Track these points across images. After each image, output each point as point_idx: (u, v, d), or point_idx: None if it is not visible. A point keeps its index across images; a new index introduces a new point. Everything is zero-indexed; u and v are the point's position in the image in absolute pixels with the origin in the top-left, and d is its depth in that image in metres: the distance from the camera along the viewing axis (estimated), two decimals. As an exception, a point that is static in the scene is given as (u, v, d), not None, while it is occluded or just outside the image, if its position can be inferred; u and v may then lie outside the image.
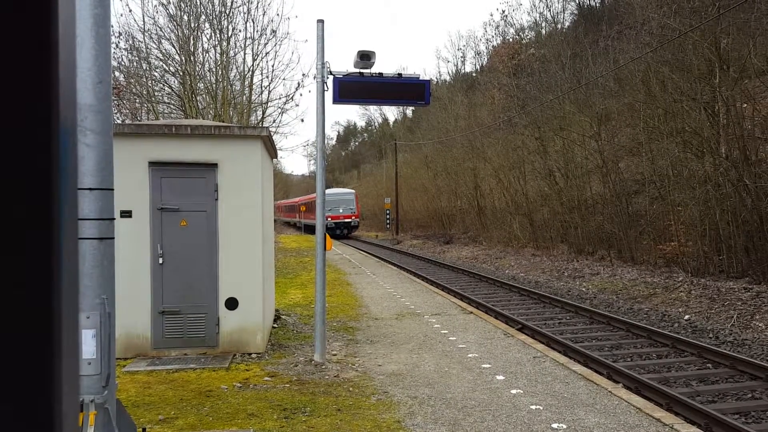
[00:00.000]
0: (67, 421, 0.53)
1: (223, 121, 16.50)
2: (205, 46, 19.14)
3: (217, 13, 18.47)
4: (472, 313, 11.79)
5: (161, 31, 18.51)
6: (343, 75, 7.71)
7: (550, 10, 53.10)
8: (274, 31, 18.82)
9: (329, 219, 41.45)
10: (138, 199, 7.84)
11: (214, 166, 8.09)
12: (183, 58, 18.50)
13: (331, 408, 6.06)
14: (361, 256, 26.75)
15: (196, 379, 7.10)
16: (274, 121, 20.36)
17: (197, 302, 8.03)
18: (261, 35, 19.12)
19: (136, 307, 7.81)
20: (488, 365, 7.69)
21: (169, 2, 18.14)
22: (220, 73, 18.64)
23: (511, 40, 46.65)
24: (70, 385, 0.54)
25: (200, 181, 8.09)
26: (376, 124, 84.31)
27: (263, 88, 20.02)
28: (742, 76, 15.06)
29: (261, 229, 8.33)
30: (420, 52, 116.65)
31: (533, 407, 6.03)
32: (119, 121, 16.11)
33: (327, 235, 8.26)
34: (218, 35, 18.53)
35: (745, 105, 15.18)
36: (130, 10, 43.31)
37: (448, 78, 56.90)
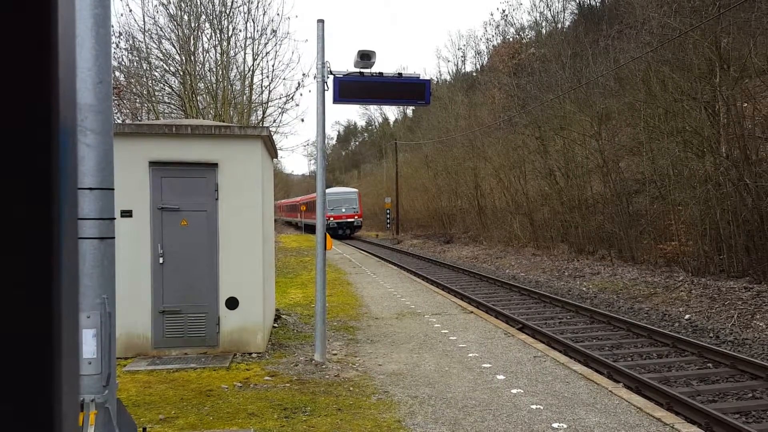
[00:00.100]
0: (67, 420, 0.53)
1: (224, 121, 16.50)
2: (206, 45, 19.16)
3: (217, 12, 18.49)
4: (472, 312, 11.79)
5: (161, 30, 18.53)
6: (344, 75, 7.71)
7: (550, 10, 53.10)
8: (274, 31, 18.84)
9: (331, 219, 40.85)
10: (138, 198, 7.84)
11: (215, 165, 8.09)
12: (183, 58, 18.51)
13: (332, 407, 6.07)
14: (362, 255, 26.76)
15: (197, 378, 7.11)
16: (274, 121, 20.38)
17: (198, 302, 8.03)
18: (261, 35, 19.13)
19: (137, 306, 7.82)
20: (489, 365, 7.69)
21: (170, 2, 18.15)
22: (220, 72, 18.65)
23: (511, 39, 46.65)
24: (70, 384, 0.54)
25: (201, 180, 8.09)
26: (377, 123, 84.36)
27: (263, 88, 20.05)
28: (742, 75, 15.06)
29: (261, 228, 8.33)
30: (420, 52, 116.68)
31: (534, 407, 6.03)
32: (119, 121, 16.11)
33: (327, 234, 8.26)
34: (218, 35, 18.54)
35: (746, 104, 15.18)
36: (131, 10, 43.33)
37: (448, 77, 56.95)
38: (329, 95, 7.74)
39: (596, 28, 34.03)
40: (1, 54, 0.48)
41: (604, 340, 10.48)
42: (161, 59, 18.82)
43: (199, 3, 18.41)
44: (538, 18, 52.48)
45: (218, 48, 18.63)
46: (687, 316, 12.11)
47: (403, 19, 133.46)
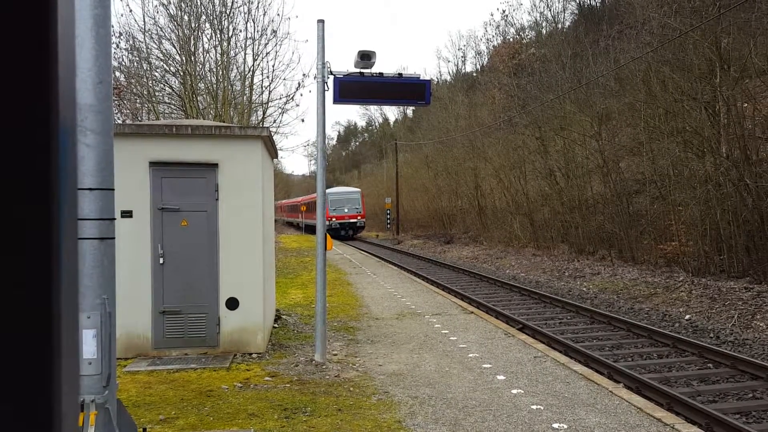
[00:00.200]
0: (67, 421, 0.53)
1: (224, 121, 16.51)
2: (206, 46, 19.16)
3: (217, 13, 18.49)
4: (472, 313, 11.78)
5: (162, 31, 18.54)
6: (344, 75, 7.71)
7: (550, 10, 53.11)
8: (274, 31, 18.84)
9: (333, 219, 40.25)
10: (138, 199, 7.84)
11: (215, 166, 8.09)
12: (183, 58, 18.51)
13: (332, 408, 6.07)
14: (362, 255, 26.76)
15: (197, 379, 7.11)
16: (274, 121, 20.38)
17: (198, 302, 8.03)
18: (261, 35, 19.14)
19: (137, 307, 7.82)
20: (489, 365, 7.69)
21: (170, 2, 18.16)
22: (220, 73, 18.65)
23: (511, 39, 46.66)
24: (69, 385, 0.54)
25: (201, 181, 8.09)
26: (377, 124, 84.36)
27: (264, 88, 20.04)
28: (742, 75, 15.05)
29: (261, 229, 8.33)
30: (420, 52, 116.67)
31: (534, 407, 6.03)
32: (120, 121, 16.12)
33: (327, 235, 8.26)
34: (219, 35, 18.55)
35: (746, 104, 15.18)
36: (131, 10, 43.35)
37: (448, 78, 56.92)
38: (329, 95, 7.74)
39: (596, 28, 34.05)
40: (1, 54, 0.48)
41: (604, 340, 10.48)
42: (161, 59, 18.84)
43: (199, 3, 18.42)
44: (538, 18, 52.52)
45: (218, 48, 18.64)
46: (687, 317, 12.11)
47: (403, 19, 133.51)
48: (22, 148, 0.49)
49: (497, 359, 7.99)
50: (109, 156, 3.31)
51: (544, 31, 41.79)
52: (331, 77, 7.71)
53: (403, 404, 6.18)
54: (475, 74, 52.16)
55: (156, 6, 26.76)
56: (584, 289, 16.54)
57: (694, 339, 10.02)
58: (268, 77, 25.68)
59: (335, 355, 8.36)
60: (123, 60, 18.42)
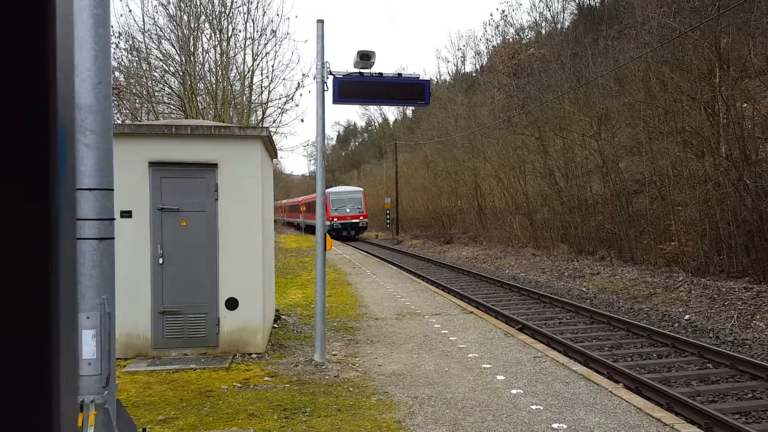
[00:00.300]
0: (66, 421, 0.53)
1: (223, 122, 16.51)
2: (205, 46, 19.16)
3: (217, 13, 18.49)
4: (472, 312, 11.79)
5: (161, 31, 18.53)
6: (343, 75, 7.71)
7: (549, 10, 53.11)
8: (274, 32, 18.84)
9: (335, 219, 39.46)
10: (138, 199, 7.84)
11: (214, 166, 8.09)
12: (183, 59, 18.51)
13: (332, 408, 6.07)
14: (362, 256, 26.75)
15: (196, 379, 7.10)
16: (274, 122, 20.38)
17: (197, 302, 8.03)
18: (261, 35, 19.14)
19: (136, 307, 7.81)
20: (488, 365, 7.69)
21: (169, 2, 18.16)
22: (220, 73, 18.65)
23: (511, 39, 46.67)
24: (68, 385, 0.54)
25: (200, 181, 8.09)
26: (376, 124, 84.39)
27: (263, 89, 20.04)
28: (742, 75, 15.06)
29: (261, 229, 8.33)
30: (420, 52, 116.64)
31: (534, 407, 6.03)
32: (119, 122, 16.12)
33: (327, 235, 8.25)
34: (218, 35, 18.55)
35: (745, 104, 15.18)
36: (130, 11, 43.33)
37: (448, 78, 56.96)
38: (329, 95, 7.74)
39: (596, 28, 34.05)
40: (0, 55, 0.48)
41: (603, 340, 10.48)
42: (161, 59, 18.84)
43: (198, 3, 18.42)
44: (537, 18, 52.54)
45: (218, 48, 18.64)
46: (687, 317, 12.11)
47: (403, 19, 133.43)
48: (21, 148, 0.49)
49: (497, 359, 7.99)
50: (108, 156, 3.31)
51: (544, 31, 41.83)
52: (331, 77, 7.72)
53: (403, 404, 6.18)
54: (474, 74, 52.18)
55: (155, 6, 26.74)
56: (584, 289, 16.55)
57: (693, 339, 10.03)
58: (267, 77, 25.68)
59: (335, 355, 8.36)
60: (122, 60, 18.43)
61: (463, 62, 70.33)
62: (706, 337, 10.63)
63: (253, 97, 19.78)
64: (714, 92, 15.65)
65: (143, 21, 20.93)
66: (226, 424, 5.62)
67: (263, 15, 36.52)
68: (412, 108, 50.62)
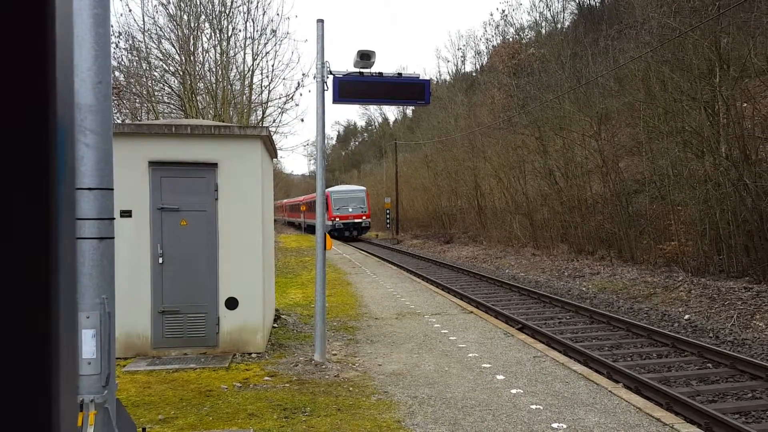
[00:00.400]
0: (66, 420, 0.53)
1: (223, 121, 16.50)
2: (205, 45, 19.16)
3: (217, 12, 18.49)
4: (472, 312, 11.79)
5: (161, 30, 18.53)
6: (343, 75, 7.71)
7: (550, 10, 53.12)
8: (274, 31, 18.83)
9: (337, 219, 38.59)
10: (138, 198, 7.84)
11: (214, 165, 8.09)
12: (183, 58, 18.51)
13: (331, 408, 6.07)
14: (362, 255, 26.76)
15: (196, 378, 7.11)
16: (274, 121, 20.38)
17: (197, 302, 8.03)
18: (261, 35, 19.13)
19: (136, 306, 7.82)
20: (488, 365, 7.69)
21: (169, 2, 18.15)
22: (220, 72, 18.65)
23: (511, 39, 46.67)
24: (68, 384, 0.54)
25: (200, 180, 8.09)
26: (376, 123, 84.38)
27: (263, 88, 20.04)
28: (742, 75, 15.06)
29: (261, 228, 8.33)
30: (420, 52, 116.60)
31: (533, 407, 6.04)
32: (119, 121, 16.11)
33: (327, 234, 8.26)
34: (218, 35, 18.54)
35: (745, 104, 15.18)
36: (130, 10, 43.35)
37: (448, 78, 56.96)
38: (329, 95, 7.75)
39: (596, 28, 34.05)
40: (0, 55, 0.48)
41: (603, 340, 10.48)
42: (161, 59, 18.83)
43: (198, 3, 18.41)
44: (537, 18, 52.55)
45: (218, 48, 18.63)
46: (687, 316, 12.11)
47: (403, 19, 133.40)
48: (21, 148, 0.49)
49: (497, 359, 7.99)
50: (108, 156, 3.31)
51: (544, 31, 41.83)
52: (331, 77, 7.72)
53: (403, 404, 6.18)
54: (474, 74, 52.19)
55: (155, 6, 26.74)
56: (583, 288, 16.55)
57: (693, 339, 10.03)
58: (267, 77, 25.71)
59: (335, 354, 8.36)
60: (122, 60, 18.43)
61: (463, 62, 70.37)
62: (705, 336, 10.64)
63: (253, 97, 19.79)
64: (714, 92, 15.65)
65: (143, 20, 20.92)
66: (225, 424, 5.62)
67: (263, 14, 36.55)
68: (412, 108, 50.60)
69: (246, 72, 19.19)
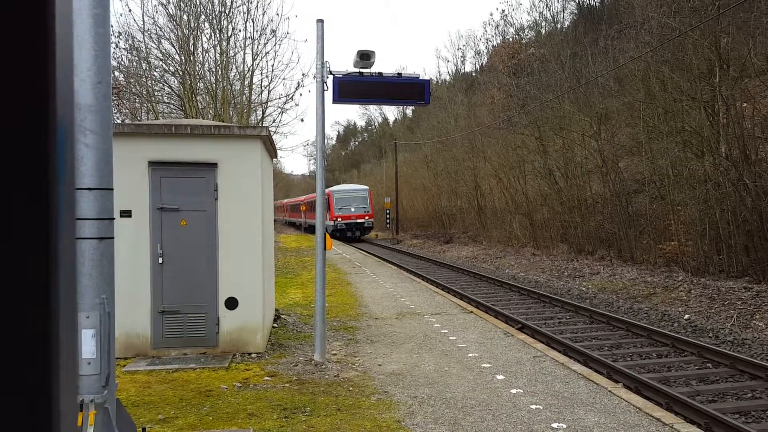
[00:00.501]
0: (66, 420, 0.53)
1: (223, 121, 16.50)
2: (205, 45, 19.15)
3: (216, 12, 18.49)
4: (472, 312, 11.79)
5: (161, 30, 18.53)
6: (343, 75, 7.71)
7: (549, 10, 53.11)
8: (273, 31, 18.83)
9: (339, 219, 37.55)
10: (138, 198, 7.84)
11: (214, 165, 8.09)
12: (183, 58, 18.50)
13: (331, 408, 6.07)
14: (361, 255, 26.76)
15: (196, 378, 7.10)
16: (273, 121, 20.37)
17: (197, 302, 8.03)
18: (261, 35, 19.14)
19: (136, 306, 7.82)
20: (488, 365, 7.69)
21: (169, 2, 18.15)
22: (219, 72, 18.64)
23: (510, 39, 46.68)
24: (68, 384, 0.54)
25: (200, 180, 8.09)
26: (376, 123, 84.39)
27: (263, 88, 20.03)
28: (742, 75, 15.06)
29: (261, 228, 8.33)
30: (420, 52, 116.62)
31: (533, 407, 6.04)
32: (119, 121, 16.11)
33: (327, 234, 8.26)
34: (218, 35, 18.54)
35: (745, 104, 15.18)
36: (130, 10, 43.34)
37: (447, 78, 56.97)
38: (329, 95, 7.75)
39: (596, 28, 34.05)
40: (0, 54, 0.48)
41: (603, 340, 10.48)
42: (160, 59, 18.83)
43: (198, 3, 18.41)
44: (537, 18, 52.55)
45: (218, 48, 18.63)
46: (686, 316, 12.11)
47: (403, 19, 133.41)
48: (21, 148, 0.49)
49: (496, 359, 7.99)
50: (108, 156, 3.31)
51: (544, 31, 41.84)
52: (331, 77, 7.72)
53: (403, 404, 6.18)
54: (474, 74, 52.19)
55: (155, 6, 26.72)
56: (583, 288, 16.55)
57: (693, 339, 10.03)
58: (267, 77, 25.66)
59: (334, 354, 8.36)
60: (122, 60, 18.43)
61: (462, 62, 70.39)
62: (705, 336, 10.64)
63: (252, 97, 19.79)
64: (714, 92, 15.65)
65: (143, 20, 20.91)
66: (225, 424, 5.62)
67: (263, 14, 36.57)
68: (412, 108, 50.58)
69: (246, 72, 19.21)
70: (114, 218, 3.43)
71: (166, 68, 19.08)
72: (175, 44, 18.64)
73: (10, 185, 0.49)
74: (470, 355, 8.25)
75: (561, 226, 24.08)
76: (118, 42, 17.97)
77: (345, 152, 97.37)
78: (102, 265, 3.29)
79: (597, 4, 40.40)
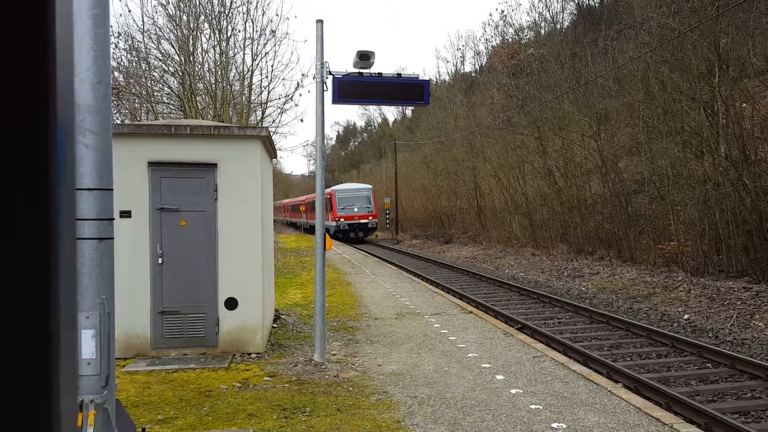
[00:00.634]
0: (66, 420, 0.53)
1: (223, 121, 16.50)
2: (205, 46, 19.16)
3: (216, 13, 18.48)
4: (471, 312, 11.79)
5: (160, 31, 18.53)
6: (343, 75, 7.71)
7: (549, 10, 53.19)
8: (273, 32, 18.83)
9: (341, 220, 36.54)
10: (137, 199, 7.84)
11: (214, 166, 8.09)
12: (182, 59, 18.50)
13: (331, 408, 6.07)
14: (361, 255, 26.75)
15: (196, 379, 7.10)
16: (273, 121, 20.36)
17: (197, 302, 8.03)
18: (260, 35, 19.16)
19: (136, 307, 7.81)
20: (488, 365, 7.69)
21: (169, 2, 18.15)
22: (219, 73, 18.64)
23: (510, 40, 46.69)
24: (68, 384, 0.54)
25: (200, 181, 8.09)
26: (376, 124, 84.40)
27: (262, 88, 20.02)
28: (741, 75, 15.07)
29: (260, 228, 8.33)
30: (419, 52, 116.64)
31: (533, 407, 6.04)
32: (118, 122, 16.11)
33: (327, 234, 8.26)
34: (217, 35, 18.54)
35: (745, 104, 15.19)
36: (129, 11, 43.29)
37: (447, 78, 56.96)
38: (328, 95, 7.75)
39: (595, 28, 34.06)
40: (0, 55, 0.48)
41: (603, 340, 10.48)
42: (160, 59, 18.83)
43: (198, 3, 18.41)
44: (537, 18, 52.57)
45: (217, 48, 18.63)
46: (686, 316, 12.12)
47: (402, 19, 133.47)
48: (21, 148, 0.49)
49: (496, 359, 7.99)
50: (107, 156, 3.31)
51: (543, 32, 41.84)
52: (330, 77, 7.72)
53: (402, 404, 6.18)
54: (474, 74, 52.20)
55: (155, 6, 26.71)
56: (583, 288, 16.55)
57: (692, 339, 10.03)
58: (267, 77, 25.65)
59: (334, 355, 8.36)
60: (122, 60, 18.43)
61: (462, 62, 70.41)
62: (705, 336, 10.64)
63: (252, 97, 19.78)
64: (713, 92, 15.66)
65: (142, 21, 20.93)
66: (225, 424, 5.62)
67: (263, 15, 36.48)
68: (412, 108, 50.53)
69: (245, 72, 19.20)
70: (114, 218, 3.43)
71: (166, 69, 19.09)
72: (174, 45, 18.65)
73: (11, 185, 0.49)
74: (470, 355, 8.25)
75: (560, 226, 24.09)
76: (118, 42, 17.99)
77: (344, 152, 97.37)
78: (102, 265, 3.29)
79: (596, 5, 40.43)
